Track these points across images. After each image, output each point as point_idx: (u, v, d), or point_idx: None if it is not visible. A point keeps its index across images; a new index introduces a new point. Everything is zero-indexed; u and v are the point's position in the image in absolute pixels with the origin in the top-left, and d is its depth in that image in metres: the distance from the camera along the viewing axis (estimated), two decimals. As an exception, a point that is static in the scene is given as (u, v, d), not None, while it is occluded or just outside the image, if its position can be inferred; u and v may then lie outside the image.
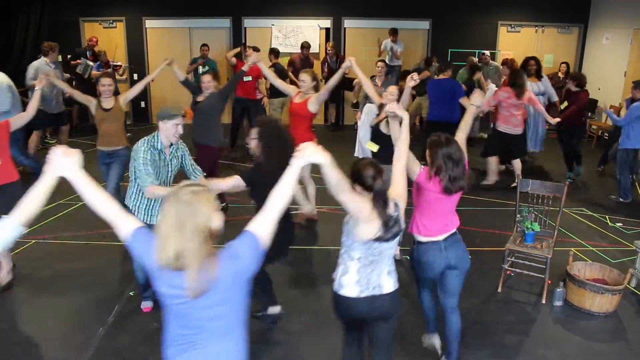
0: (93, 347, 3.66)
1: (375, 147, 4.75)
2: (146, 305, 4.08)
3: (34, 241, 5.16)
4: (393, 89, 5.01)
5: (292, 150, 2.26)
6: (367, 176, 2.57)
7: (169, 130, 3.63)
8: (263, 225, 1.97)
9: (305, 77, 5.52)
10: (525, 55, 10.47)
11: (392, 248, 2.71)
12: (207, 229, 1.83)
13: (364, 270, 2.67)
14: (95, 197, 2.01)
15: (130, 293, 4.32)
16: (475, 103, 3.76)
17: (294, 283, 4.55)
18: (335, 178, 2.37)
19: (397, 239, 2.69)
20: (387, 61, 10.23)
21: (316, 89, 5.55)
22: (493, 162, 7.09)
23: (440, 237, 3.28)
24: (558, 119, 7.00)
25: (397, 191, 2.72)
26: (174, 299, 1.89)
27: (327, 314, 4.11)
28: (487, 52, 9.71)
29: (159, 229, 1.83)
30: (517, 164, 6.87)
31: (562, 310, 4.25)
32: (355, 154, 7.73)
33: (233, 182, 3.43)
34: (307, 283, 4.60)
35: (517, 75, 6.74)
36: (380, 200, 2.57)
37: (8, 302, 4.18)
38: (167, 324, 1.98)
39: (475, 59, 9.73)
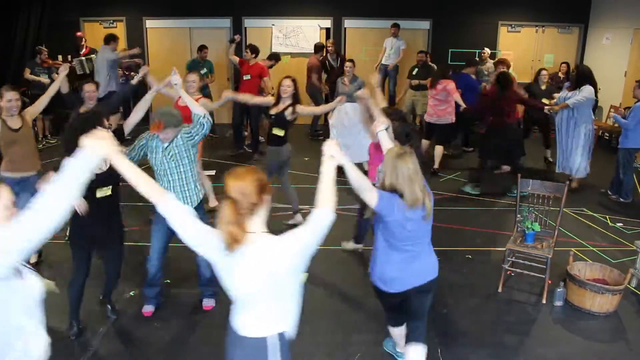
0: (93, 347, 3.66)
1: (281, 132, 5.33)
2: (148, 309, 4.05)
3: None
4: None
5: None
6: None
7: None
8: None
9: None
10: (525, 55, 10.53)
11: None
12: None
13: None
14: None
15: (131, 293, 4.32)
16: (380, 129, 3.48)
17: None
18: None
19: None
20: (383, 61, 10.22)
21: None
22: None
23: None
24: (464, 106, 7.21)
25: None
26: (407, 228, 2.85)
27: (324, 313, 4.12)
28: (487, 50, 9.70)
29: (406, 180, 2.78)
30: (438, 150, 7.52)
31: (563, 310, 4.25)
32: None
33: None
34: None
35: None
36: None
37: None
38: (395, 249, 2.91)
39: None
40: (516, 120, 7.28)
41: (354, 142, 7.23)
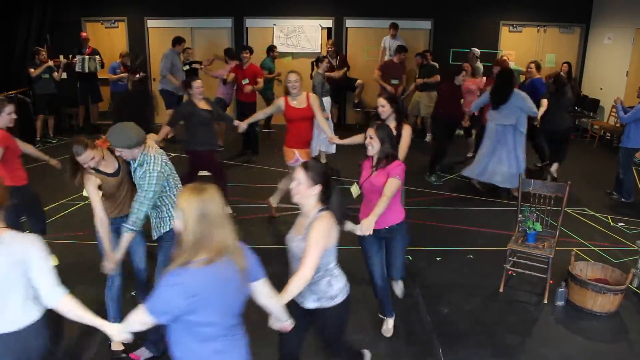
0: (95, 347, 3.66)
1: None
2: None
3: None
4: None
5: None
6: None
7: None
8: None
9: (296, 77, 5.40)
10: (527, 55, 10.50)
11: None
12: None
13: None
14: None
15: (132, 293, 4.32)
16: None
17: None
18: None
19: None
20: (386, 59, 10.19)
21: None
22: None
23: None
24: None
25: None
26: None
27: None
28: (477, 50, 9.62)
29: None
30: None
31: (564, 310, 4.25)
32: (314, 153, 7.82)
33: None
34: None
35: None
36: None
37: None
38: None
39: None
40: None
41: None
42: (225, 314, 2.14)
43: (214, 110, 5.74)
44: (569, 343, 3.84)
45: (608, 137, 9.66)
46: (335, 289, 2.71)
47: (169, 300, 2.00)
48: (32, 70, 8.81)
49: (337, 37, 10.65)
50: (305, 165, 2.66)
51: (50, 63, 9.01)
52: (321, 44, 10.75)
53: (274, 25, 10.75)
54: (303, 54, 10.56)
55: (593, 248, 5.32)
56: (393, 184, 3.38)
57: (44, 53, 9.00)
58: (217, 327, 2.12)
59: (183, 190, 2.12)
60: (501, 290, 4.50)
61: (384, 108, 4.34)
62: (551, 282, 4.38)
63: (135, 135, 3.25)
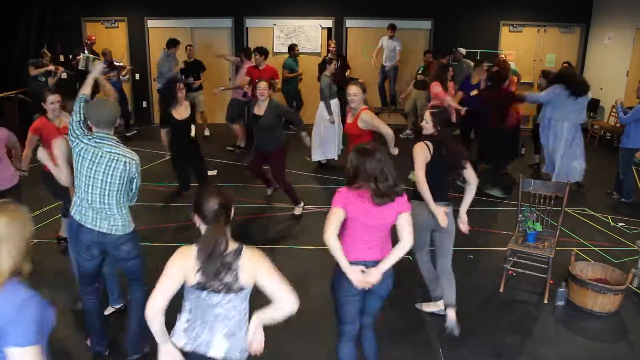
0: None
1: None
2: None
3: (36, 241, 5.16)
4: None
5: None
6: (209, 209, 2.22)
7: None
8: None
9: (355, 91, 4.89)
10: (527, 55, 10.51)
11: (227, 304, 2.25)
12: None
13: (193, 321, 2.29)
14: None
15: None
16: None
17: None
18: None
19: (233, 296, 2.24)
20: (382, 61, 10.20)
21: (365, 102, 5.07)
22: None
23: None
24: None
25: (263, 264, 2.28)
26: None
27: (321, 313, 4.12)
28: (463, 50, 9.61)
29: None
30: None
31: (564, 310, 4.25)
32: (315, 158, 7.78)
33: None
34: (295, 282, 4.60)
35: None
36: (205, 239, 2.20)
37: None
38: None
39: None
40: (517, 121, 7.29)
41: (331, 138, 7.39)
42: None
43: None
44: (569, 343, 3.84)
45: (608, 137, 9.65)
46: None
47: None
48: (32, 68, 8.82)
49: (337, 37, 10.65)
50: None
51: (52, 67, 9.01)
52: (321, 44, 10.76)
53: (274, 25, 10.75)
54: (303, 54, 10.55)
55: (593, 248, 5.32)
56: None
57: (48, 57, 9.01)
58: None
59: None
60: (501, 290, 4.50)
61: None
62: (551, 282, 4.38)
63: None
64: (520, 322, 4.08)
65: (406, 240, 2.85)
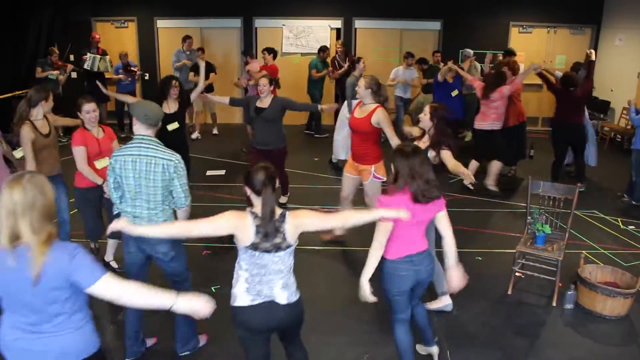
0: (103, 343, 3.67)
1: None
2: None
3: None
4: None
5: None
6: (258, 181, 2.58)
7: None
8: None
9: (361, 83, 4.93)
10: (537, 56, 10.43)
11: (279, 262, 2.63)
12: None
13: (252, 280, 2.63)
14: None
15: (213, 289, 4.33)
16: None
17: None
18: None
19: (283, 253, 2.61)
20: (397, 93, 9.50)
21: (377, 96, 4.94)
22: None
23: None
24: None
25: (302, 213, 2.68)
26: None
27: (327, 313, 4.11)
28: (470, 51, 9.37)
29: None
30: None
31: (573, 313, 4.21)
32: (336, 158, 7.72)
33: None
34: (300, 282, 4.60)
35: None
36: (265, 206, 2.57)
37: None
38: None
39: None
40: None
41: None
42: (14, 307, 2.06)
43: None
44: (578, 346, 3.81)
45: (619, 139, 9.58)
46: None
47: None
48: (39, 69, 8.88)
49: (346, 38, 10.64)
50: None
51: (60, 64, 9.06)
52: (330, 45, 10.74)
53: (283, 25, 10.76)
54: (312, 54, 10.54)
55: (603, 251, 5.28)
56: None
57: (57, 54, 9.06)
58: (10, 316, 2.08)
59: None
60: (509, 292, 4.47)
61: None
62: (560, 284, 4.35)
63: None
64: (529, 325, 4.05)
65: (451, 237, 3.14)
